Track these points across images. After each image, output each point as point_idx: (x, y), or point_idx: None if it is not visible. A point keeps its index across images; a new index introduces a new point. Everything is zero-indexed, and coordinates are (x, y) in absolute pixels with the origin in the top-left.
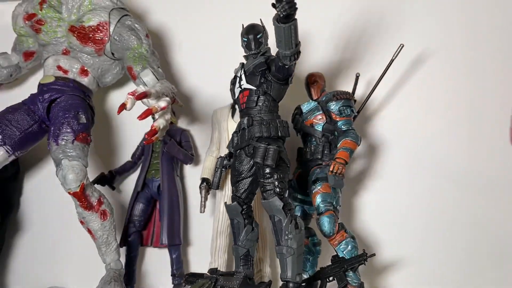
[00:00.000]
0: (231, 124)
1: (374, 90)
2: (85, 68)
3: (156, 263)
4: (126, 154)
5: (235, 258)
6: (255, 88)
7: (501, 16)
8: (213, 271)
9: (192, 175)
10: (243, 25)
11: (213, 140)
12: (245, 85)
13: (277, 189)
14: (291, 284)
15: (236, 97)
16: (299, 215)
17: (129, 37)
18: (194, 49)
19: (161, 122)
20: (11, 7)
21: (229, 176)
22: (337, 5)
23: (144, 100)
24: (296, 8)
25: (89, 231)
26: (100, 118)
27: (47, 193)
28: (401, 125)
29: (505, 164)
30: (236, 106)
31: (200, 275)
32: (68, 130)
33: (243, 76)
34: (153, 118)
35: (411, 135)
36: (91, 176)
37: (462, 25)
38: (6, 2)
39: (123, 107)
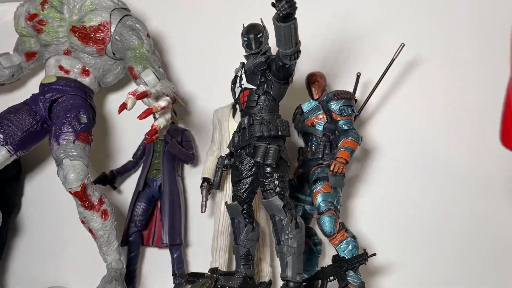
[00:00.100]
0: (232, 124)
1: (375, 89)
2: (87, 68)
3: (157, 262)
4: (127, 154)
5: (235, 258)
6: (255, 88)
7: (502, 17)
8: (213, 270)
9: (192, 175)
10: (243, 24)
11: (214, 140)
12: (245, 84)
13: (278, 189)
14: (291, 284)
15: (236, 96)
16: (300, 214)
17: (130, 37)
18: (194, 49)
19: (161, 122)
20: (13, 7)
21: (230, 176)
22: (337, 4)
23: (145, 99)
24: (296, 7)
25: (90, 231)
26: (102, 118)
27: (48, 193)
28: (394, 129)
29: (502, 168)
30: (237, 106)
31: (200, 275)
32: (70, 130)
33: (243, 76)
34: (154, 118)
35: (404, 139)
36: (92, 176)
37: (461, 25)
38: (8, 2)
39: (123, 106)
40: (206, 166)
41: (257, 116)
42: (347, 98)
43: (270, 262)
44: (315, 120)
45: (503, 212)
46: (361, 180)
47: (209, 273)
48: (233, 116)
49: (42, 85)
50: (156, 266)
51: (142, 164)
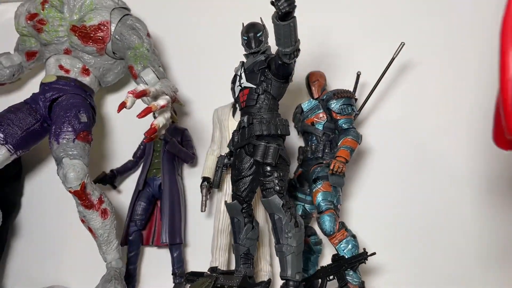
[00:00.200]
0: (232, 123)
1: (375, 88)
2: (87, 68)
3: (157, 262)
4: (127, 153)
5: (235, 257)
6: (255, 87)
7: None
8: (213, 269)
9: (191, 175)
10: (243, 23)
11: (214, 139)
12: (245, 83)
13: (277, 187)
14: (291, 283)
15: (236, 95)
16: (300, 214)
17: (130, 36)
18: (194, 48)
19: (160, 121)
20: (14, 7)
21: (229, 175)
22: (337, 4)
23: (144, 98)
24: (295, 6)
25: (90, 230)
26: (101, 118)
27: (48, 193)
28: (387, 129)
29: (498, 168)
30: (237, 105)
31: (200, 274)
32: (69, 129)
33: (243, 75)
34: (154, 117)
35: (398, 140)
36: (92, 176)
37: (460, 25)
38: (9, 2)
39: (123, 105)
40: (206, 165)
41: (256, 115)
42: (347, 97)
43: (270, 261)
44: (315, 119)
45: (501, 212)
46: (353, 181)
47: (208, 272)
48: (233, 115)
49: (42, 84)
50: (156, 265)
51: (142, 164)
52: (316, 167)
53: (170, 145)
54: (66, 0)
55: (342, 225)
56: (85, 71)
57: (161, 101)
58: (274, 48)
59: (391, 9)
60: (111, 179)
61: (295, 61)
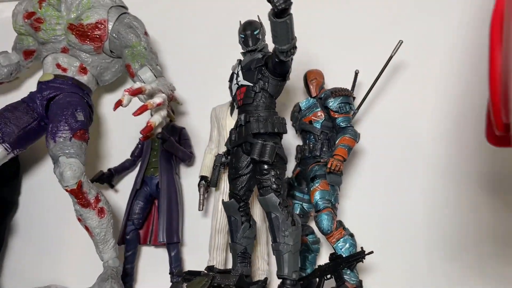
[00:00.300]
0: (230, 122)
1: (373, 87)
2: (84, 66)
3: (154, 261)
4: (124, 152)
5: (232, 256)
6: (252, 85)
7: None
8: (210, 268)
9: (188, 174)
10: (240, 21)
11: (212, 138)
12: (242, 81)
13: (274, 186)
14: (288, 281)
15: (233, 94)
16: (297, 212)
17: (127, 34)
18: (191, 48)
19: (156, 119)
20: (11, 6)
21: (227, 173)
22: (334, 1)
23: (140, 96)
24: (291, 3)
25: (87, 229)
26: (98, 117)
27: (46, 192)
28: (380, 129)
29: (493, 166)
30: (234, 103)
31: (197, 273)
32: (66, 127)
33: (240, 73)
34: (152, 115)
35: (390, 139)
36: (89, 175)
37: (458, 25)
38: (6, 1)
39: (119, 103)
40: (204, 164)
41: (253, 113)
42: (345, 95)
43: (267, 260)
44: (313, 117)
45: (499, 211)
46: (349, 180)
47: (205, 271)
48: (231, 114)
49: (39, 83)
50: (153, 264)
51: (140, 162)
52: (314, 166)
53: (168, 144)
54: None
55: (340, 224)
56: (83, 69)
57: (157, 99)
58: (271, 46)
59: (389, 8)
60: (109, 178)
61: (292, 59)
